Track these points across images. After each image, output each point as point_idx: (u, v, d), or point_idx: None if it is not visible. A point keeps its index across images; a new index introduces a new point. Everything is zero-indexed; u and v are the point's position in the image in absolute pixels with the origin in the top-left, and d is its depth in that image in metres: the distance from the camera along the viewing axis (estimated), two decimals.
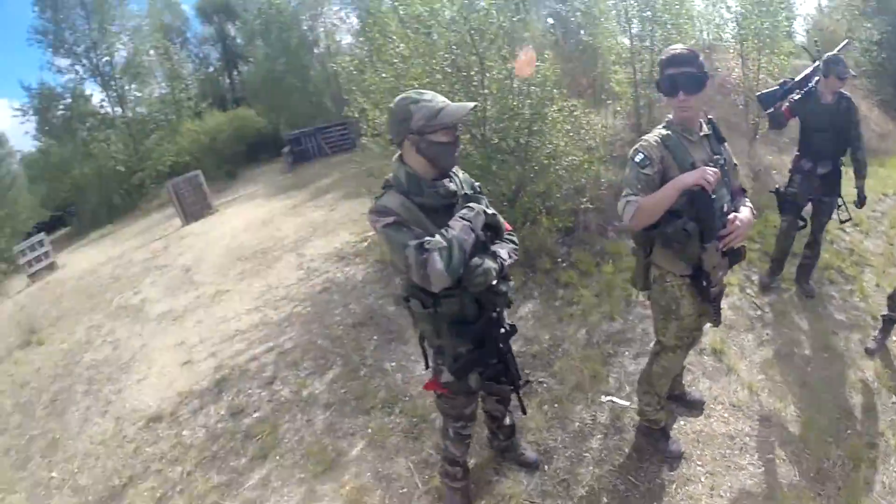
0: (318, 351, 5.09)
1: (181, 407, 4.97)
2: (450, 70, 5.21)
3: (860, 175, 4.48)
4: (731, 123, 9.13)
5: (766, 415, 3.53)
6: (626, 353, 4.08)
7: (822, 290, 4.98)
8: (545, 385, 3.86)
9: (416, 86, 5.00)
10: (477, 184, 2.43)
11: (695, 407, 3.54)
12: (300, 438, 4.02)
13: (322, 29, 25.23)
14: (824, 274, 5.34)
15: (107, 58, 22.52)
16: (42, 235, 14.84)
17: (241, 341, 5.75)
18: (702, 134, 2.59)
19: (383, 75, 5.56)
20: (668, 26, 7.48)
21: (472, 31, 5.05)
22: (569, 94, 6.95)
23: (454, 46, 5.20)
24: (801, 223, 4.59)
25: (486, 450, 3.34)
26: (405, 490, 3.31)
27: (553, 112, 5.30)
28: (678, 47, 2.47)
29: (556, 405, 3.65)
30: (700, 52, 2.51)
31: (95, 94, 23.28)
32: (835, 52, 4.38)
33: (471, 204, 2.24)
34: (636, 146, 2.51)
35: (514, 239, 2.48)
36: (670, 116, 2.59)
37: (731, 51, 8.88)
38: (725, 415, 3.52)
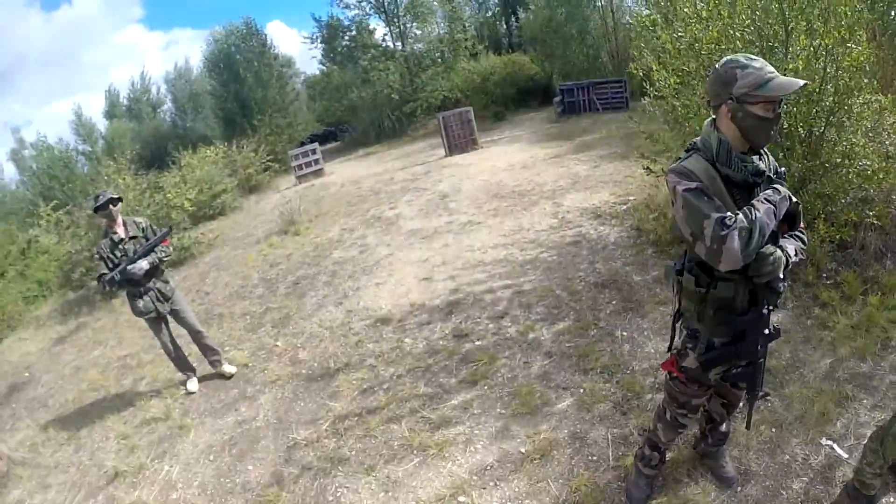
0: (553, 300, 5.21)
1: (410, 316, 5.47)
2: (751, 38, 4.76)
3: None
4: None
5: None
6: (865, 400, 3.50)
7: None
8: (770, 405, 3.55)
9: (713, 49, 4.74)
10: (782, 169, 2.24)
11: None
12: (513, 377, 4.19)
13: None
14: None
15: None
16: (315, 145, 17.19)
17: (482, 272, 6.07)
18: None
19: (679, 34, 5.27)
20: None
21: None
22: (879, 86, 6.12)
23: (758, 12, 4.76)
24: None
25: (688, 449, 3.23)
26: (595, 459, 3.34)
27: (860, 104, 4.56)
28: None
29: (773, 430, 3.36)
30: None
31: (379, 29, 25.57)
32: None
33: (777, 186, 2.09)
34: None
35: (805, 238, 2.27)
36: None
37: None
38: None
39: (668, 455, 3.14)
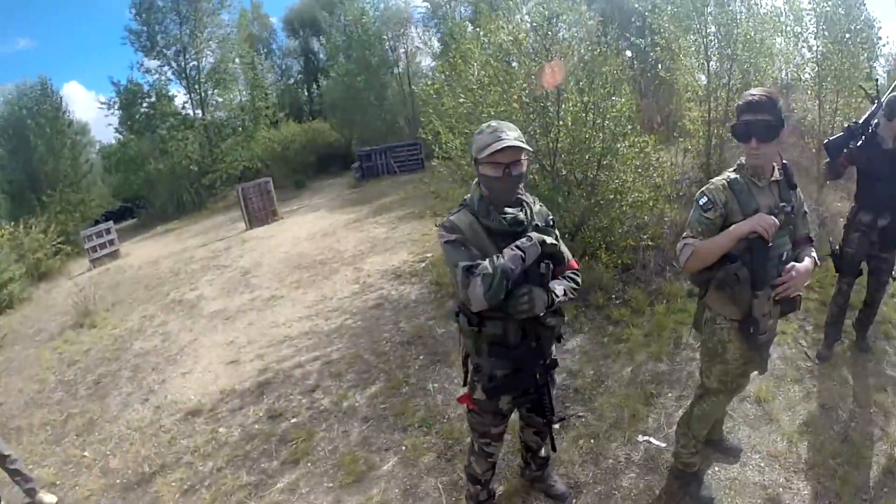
0: (363, 364, 5.15)
1: (221, 404, 5.07)
2: (527, 100, 5.25)
3: None
4: (801, 167, 8.78)
5: (804, 467, 3.37)
6: (670, 394, 3.98)
7: (876, 345, 4.69)
8: (583, 420, 3.80)
9: (493, 113, 5.11)
10: (551, 217, 2.48)
11: (731, 454, 3.41)
12: (334, 448, 4.04)
13: (403, 50, 26.15)
14: (880, 328, 5.01)
15: (194, 62, 23.78)
16: (110, 224, 15.66)
17: (289, 347, 5.86)
18: (772, 179, 2.51)
19: (461, 100, 5.66)
20: (747, 65, 7.30)
21: (552, 63, 5.09)
22: (642, 129, 6.88)
23: (533, 77, 5.24)
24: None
25: (518, 478, 3.32)
26: None
27: (624, 147, 5.26)
28: (757, 92, 2.40)
29: (592, 441, 3.59)
30: (778, 95, 2.44)
31: (179, 96, 24.59)
32: (892, 92, 3.94)
33: (531, 234, 2.26)
34: (703, 189, 2.50)
35: (577, 279, 2.50)
36: (742, 160, 2.53)
37: (809, 91, 8.52)
38: (762, 464, 3.39)
39: (500, 489, 3.23)
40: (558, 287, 2.33)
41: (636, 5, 7.43)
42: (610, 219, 5.15)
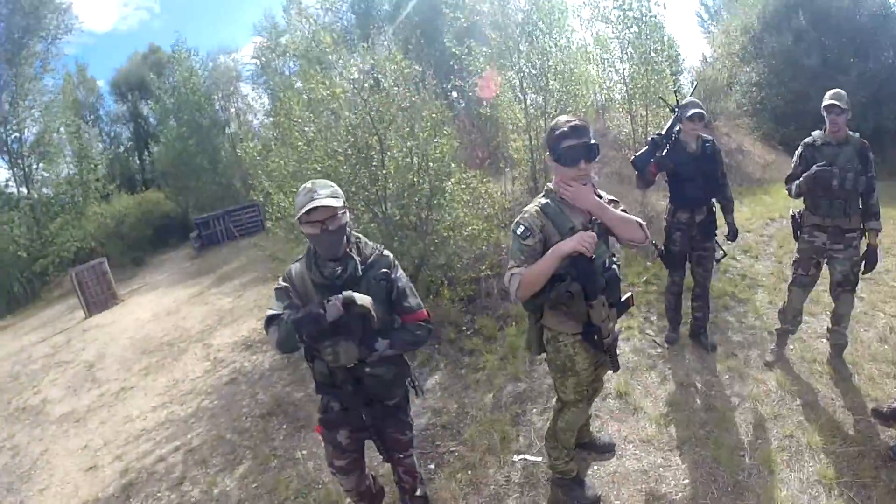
0: (226, 446, 4.95)
1: None
2: (351, 151, 5.32)
3: (729, 210, 4.72)
4: (623, 175, 9.73)
5: (677, 444, 3.68)
6: (534, 410, 4.18)
7: (718, 317, 5.29)
8: (456, 454, 3.88)
9: (319, 169, 5.17)
10: (384, 270, 2.56)
11: (606, 450, 3.63)
12: None
13: (233, 110, 25.67)
14: (719, 302, 5.72)
15: (16, 134, 21.20)
16: None
17: (147, 441, 5.51)
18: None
19: (286, 159, 5.69)
20: (560, 94, 7.99)
21: (373, 113, 5.23)
22: (469, 165, 7.26)
23: (355, 128, 5.34)
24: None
25: None
26: None
27: (451, 185, 5.53)
28: (573, 119, 2.61)
29: (469, 472, 3.67)
30: (589, 121, 2.76)
31: (1, 173, 22.14)
32: (687, 98, 4.63)
33: (344, 293, 2.36)
34: (517, 219, 2.62)
35: (420, 332, 2.64)
36: (550, 185, 2.72)
37: (620, 110, 9.45)
38: (637, 452, 3.64)
39: None
40: (382, 342, 2.48)
41: (453, 50, 7.81)
42: (447, 255, 5.39)
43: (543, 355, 3.02)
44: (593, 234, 2.52)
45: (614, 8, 8.74)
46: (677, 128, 4.43)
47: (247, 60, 28.54)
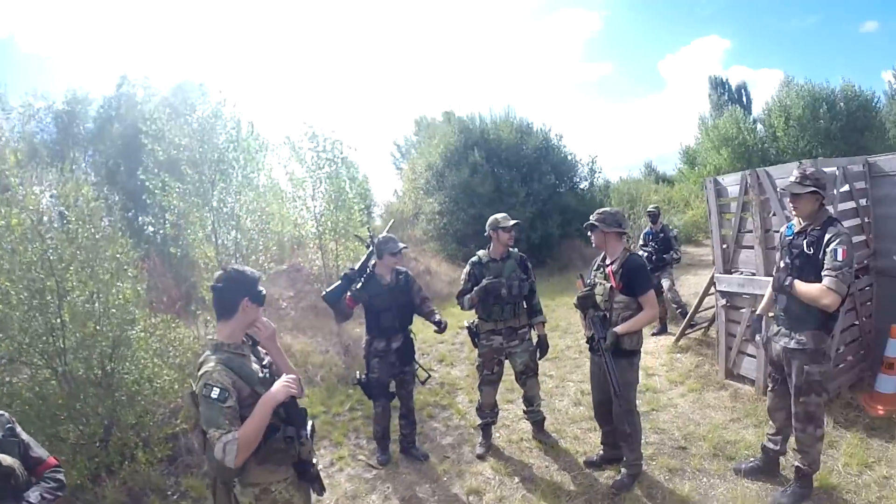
0: None
1: None
2: (25, 296, 4.54)
3: (436, 323, 4.97)
4: (319, 309, 10.07)
5: None
6: None
7: (425, 426, 5.59)
8: None
9: None
10: (9, 426, 2.52)
11: None
12: None
13: None
14: (424, 412, 6.08)
15: None
16: None
17: None
18: (249, 344, 2.70)
19: None
20: (252, 232, 8.04)
21: (50, 251, 4.59)
22: (159, 309, 6.78)
23: (30, 267, 4.57)
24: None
25: None
26: None
27: (137, 333, 5.01)
28: (248, 270, 2.62)
29: None
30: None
31: None
32: (383, 234, 4.98)
33: None
34: (204, 382, 2.37)
35: (58, 476, 2.59)
36: (214, 338, 2.60)
37: (312, 245, 9.84)
38: None
39: None
40: (33, 494, 2.41)
41: (147, 184, 7.42)
42: (137, 413, 4.77)
43: None
44: (296, 376, 2.58)
45: (309, 149, 9.23)
46: (372, 261, 4.76)
47: None
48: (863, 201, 5.49)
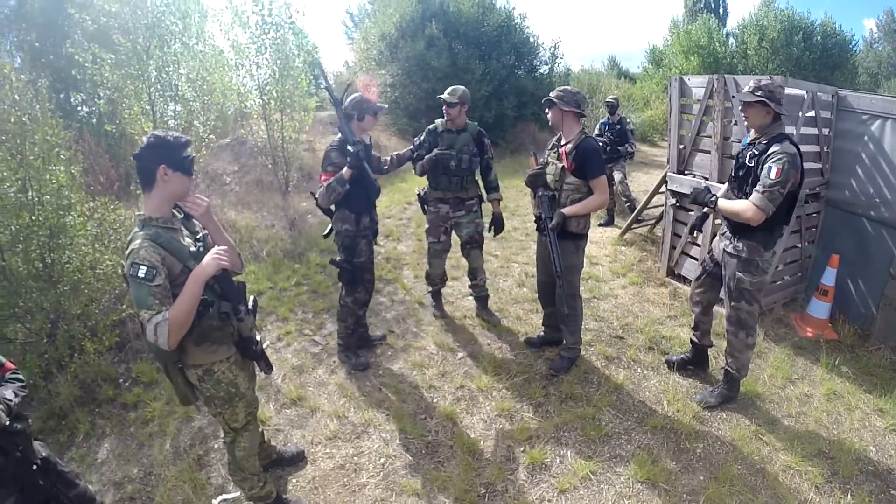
0: None
1: None
2: None
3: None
4: (265, 182, 9.81)
5: (362, 429, 3.92)
6: (215, 445, 3.91)
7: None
8: None
9: None
10: None
11: (297, 460, 3.65)
12: None
13: None
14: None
15: None
16: None
17: None
18: (181, 217, 2.59)
19: None
20: (192, 104, 7.56)
21: None
22: (96, 191, 6.44)
23: None
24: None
25: None
26: None
27: (75, 219, 4.72)
28: (171, 135, 2.41)
29: None
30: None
31: None
32: (355, 97, 4.38)
33: None
34: (131, 261, 2.25)
35: (19, 376, 2.51)
36: (142, 213, 2.42)
37: (256, 116, 9.40)
38: (328, 450, 3.76)
39: None
40: (6, 391, 2.35)
41: (77, 57, 6.75)
42: (82, 303, 4.60)
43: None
44: (225, 247, 2.45)
45: (253, 13, 8.51)
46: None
47: None
48: (825, 131, 5.52)
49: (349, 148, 4.07)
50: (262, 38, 8.67)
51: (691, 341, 4.61)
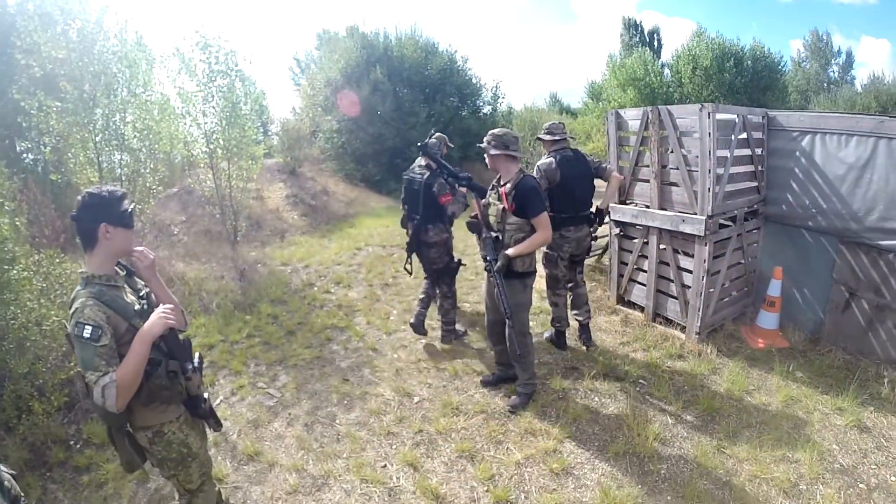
0: None
1: None
2: None
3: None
4: (213, 232, 9.73)
5: (322, 482, 3.88)
6: None
7: (324, 349, 5.68)
8: None
9: None
10: None
11: None
12: None
13: None
14: (322, 335, 6.20)
15: None
16: None
17: None
18: (123, 274, 2.55)
19: None
20: (139, 153, 7.49)
21: None
22: (42, 244, 6.26)
23: None
24: None
25: None
26: None
27: (19, 273, 4.54)
28: (105, 190, 2.36)
29: None
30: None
31: None
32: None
33: None
34: (76, 320, 2.18)
35: None
36: (84, 270, 2.36)
37: (203, 165, 9.35)
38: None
39: None
40: None
41: (22, 104, 6.58)
42: (28, 361, 4.38)
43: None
44: (171, 306, 2.42)
45: (201, 61, 8.57)
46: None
47: None
48: (758, 150, 5.85)
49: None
50: (209, 85, 8.70)
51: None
